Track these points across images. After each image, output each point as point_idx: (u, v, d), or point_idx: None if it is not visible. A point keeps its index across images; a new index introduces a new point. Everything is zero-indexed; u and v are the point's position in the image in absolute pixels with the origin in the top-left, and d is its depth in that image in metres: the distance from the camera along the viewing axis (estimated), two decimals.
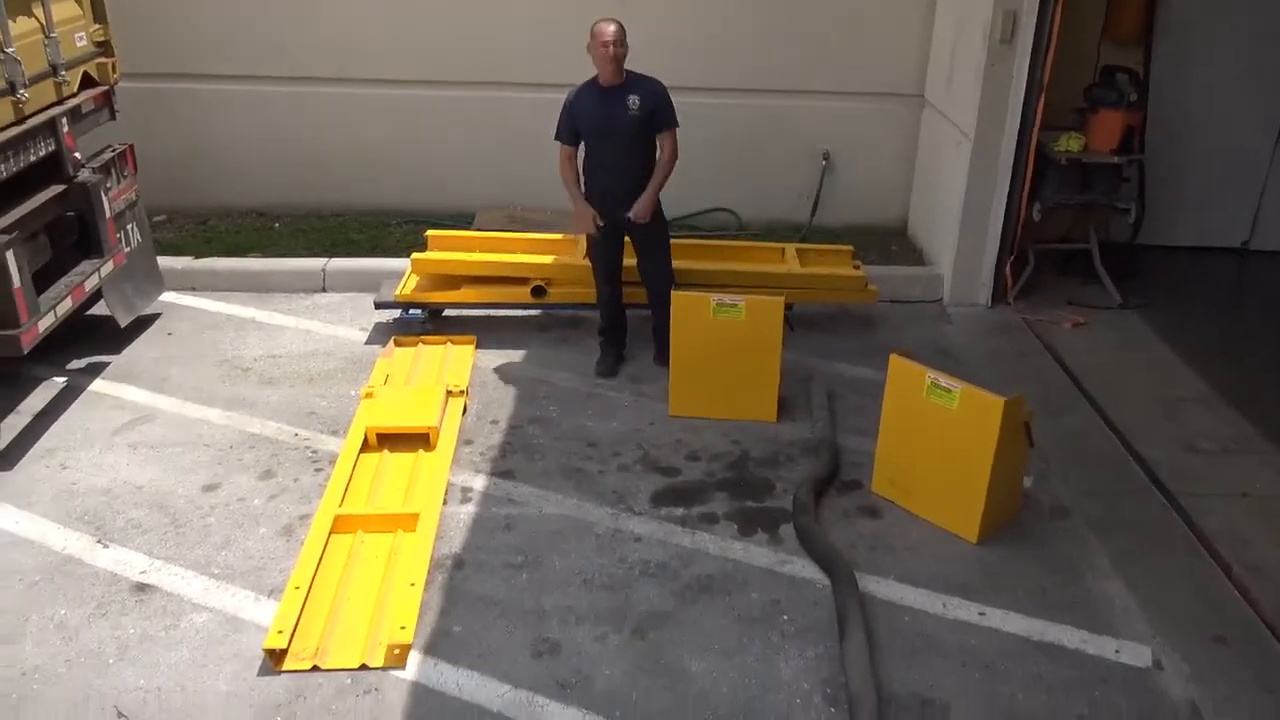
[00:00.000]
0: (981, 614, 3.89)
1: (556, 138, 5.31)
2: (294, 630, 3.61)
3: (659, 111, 5.21)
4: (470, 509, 4.46)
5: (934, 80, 7.22)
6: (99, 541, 4.19)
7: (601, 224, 5.29)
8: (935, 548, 4.27)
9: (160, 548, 4.16)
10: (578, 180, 5.35)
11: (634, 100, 5.13)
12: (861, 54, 7.32)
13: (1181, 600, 3.96)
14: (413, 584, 3.87)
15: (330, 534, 4.13)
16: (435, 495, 4.45)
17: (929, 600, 3.96)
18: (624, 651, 3.66)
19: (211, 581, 3.97)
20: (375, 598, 3.83)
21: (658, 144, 5.31)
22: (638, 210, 5.25)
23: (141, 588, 3.93)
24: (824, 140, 7.56)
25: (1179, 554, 4.24)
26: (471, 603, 3.88)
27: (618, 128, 5.16)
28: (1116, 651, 3.71)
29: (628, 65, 5.15)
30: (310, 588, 3.82)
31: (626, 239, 5.47)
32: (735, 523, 4.41)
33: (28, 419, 5.11)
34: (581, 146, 5.32)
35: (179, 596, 3.89)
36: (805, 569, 4.11)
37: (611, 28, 5.00)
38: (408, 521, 4.22)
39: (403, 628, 3.63)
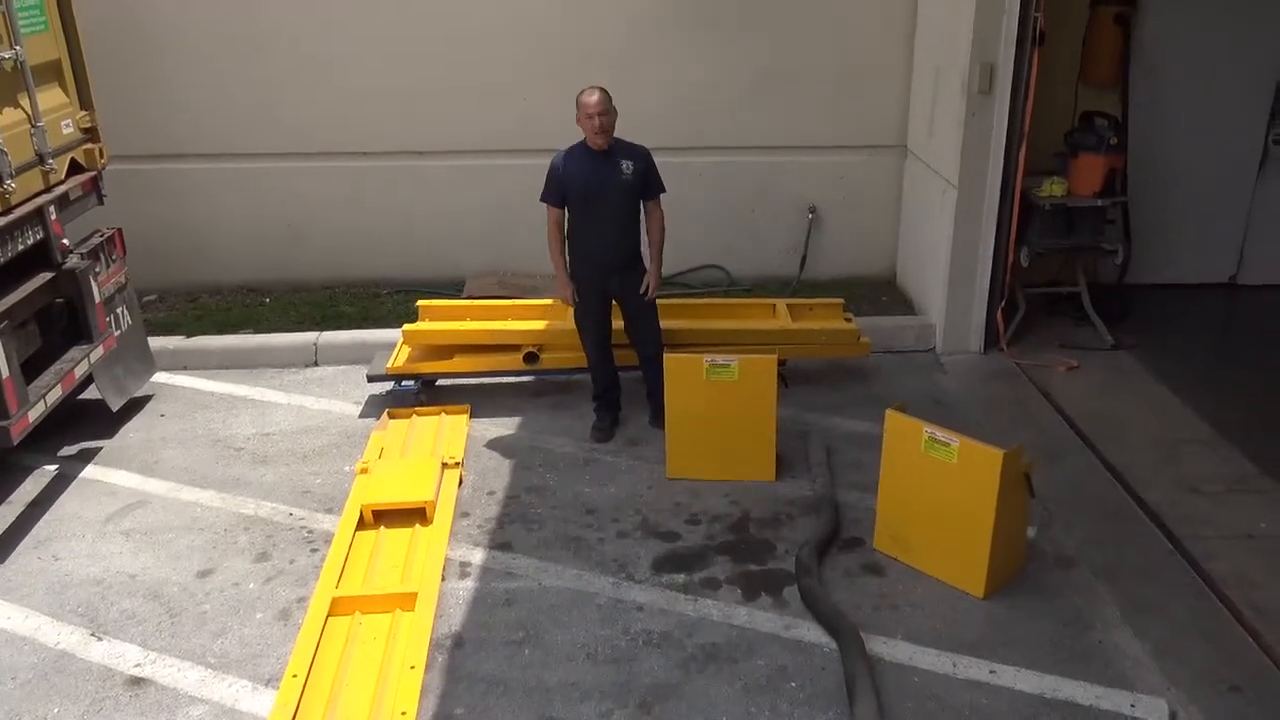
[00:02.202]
0: (992, 672, 3.82)
1: (543, 199, 5.32)
2: None
3: (650, 179, 5.25)
4: (469, 584, 4.40)
5: (916, 131, 7.29)
6: (93, 634, 4.12)
7: (577, 301, 5.33)
8: (942, 604, 4.21)
9: (155, 639, 4.09)
10: (563, 247, 5.37)
11: (627, 165, 5.15)
12: (843, 107, 7.41)
13: (1194, 649, 3.90)
14: (413, 666, 3.80)
15: (328, 617, 4.07)
16: (433, 572, 4.39)
17: (938, 660, 3.89)
18: None
19: (208, 672, 3.90)
20: (375, 683, 3.75)
21: (645, 210, 5.33)
22: (650, 290, 5.34)
23: (136, 681, 3.85)
24: (810, 194, 7.62)
25: (1188, 600, 4.19)
26: (473, 683, 3.81)
27: (610, 193, 5.17)
28: (1132, 706, 3.65)
29: (615, 133, 5.18)
30: (308, 675, 3.74)
31: (614, 303, 5.47)
32: (738, 587, 4.35)
33: (19, 509, 5.05)
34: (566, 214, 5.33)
35: (174, 690, 3.81)
36: (811, 632, 4.05)
37: (595, 98, 5.02)
38: (406, 601, 4.16)
39: (404, 713, 3.56)
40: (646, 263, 5.43)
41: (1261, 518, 4.74)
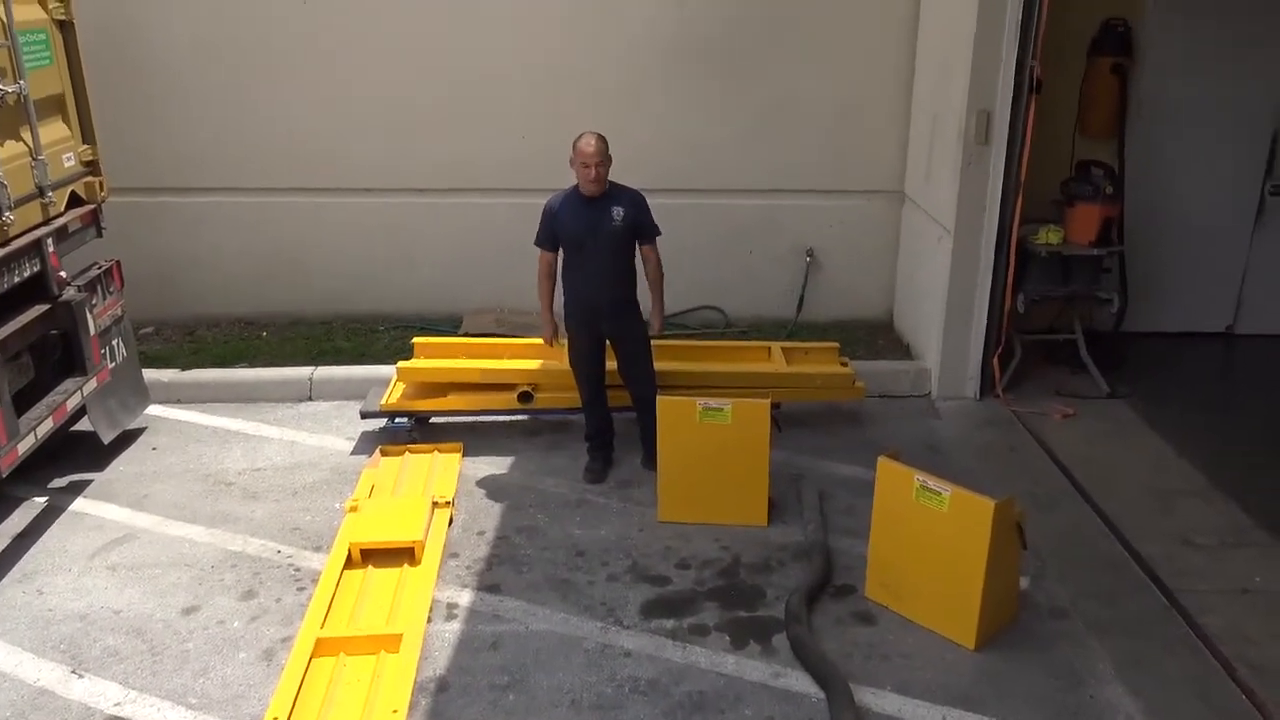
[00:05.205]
0: None
1: (536, 244, 5.34)
2: None
3: (643, 222, 5.27)
4: (455, 626, 4.35)
5: (913, 176, 7.33)
6: (73, 671, 4.08)
7: (559, 343, 5.41)
8: (932, 655, 4.17)
9: (136, 677, 4.04)
10: (552, 291, 5.39)
11: (618, 211, 5.17)
12: (841, 152, 7.46)
13: (1186, 706, 3.85)
14: (395, 710, 3.75)
15: (311, 658, 4.02)
16: (419, 613, 4.35)
17: (928, 713, 3.84)
18: None
19: (188, 712, 3.85)
20: None
21: (641, 254, 5.35)
22: (655, 330, 5.46)
23: None
24: (808, 237, 7.64)
25: (1181, 656, 4.15)
26: None
27: (601, 238, 5.19)
28: None
29: (612, 175, 5.21)
30: (290, 718, 3.70)
31: (608, 344, 5.47)
32: (727, 634, 4.31)
33: (6, 541, 5.02)
34: (560, 254, 5.35)
35: None
36: (800, 682, 4.00)
37: (592, 147, 5.04)
38: (391, 643, 4.12)
39: None
40: (643, 306, 5.44)
41: (1256, 572, 4.70)
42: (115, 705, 3.89)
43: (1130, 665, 4.07)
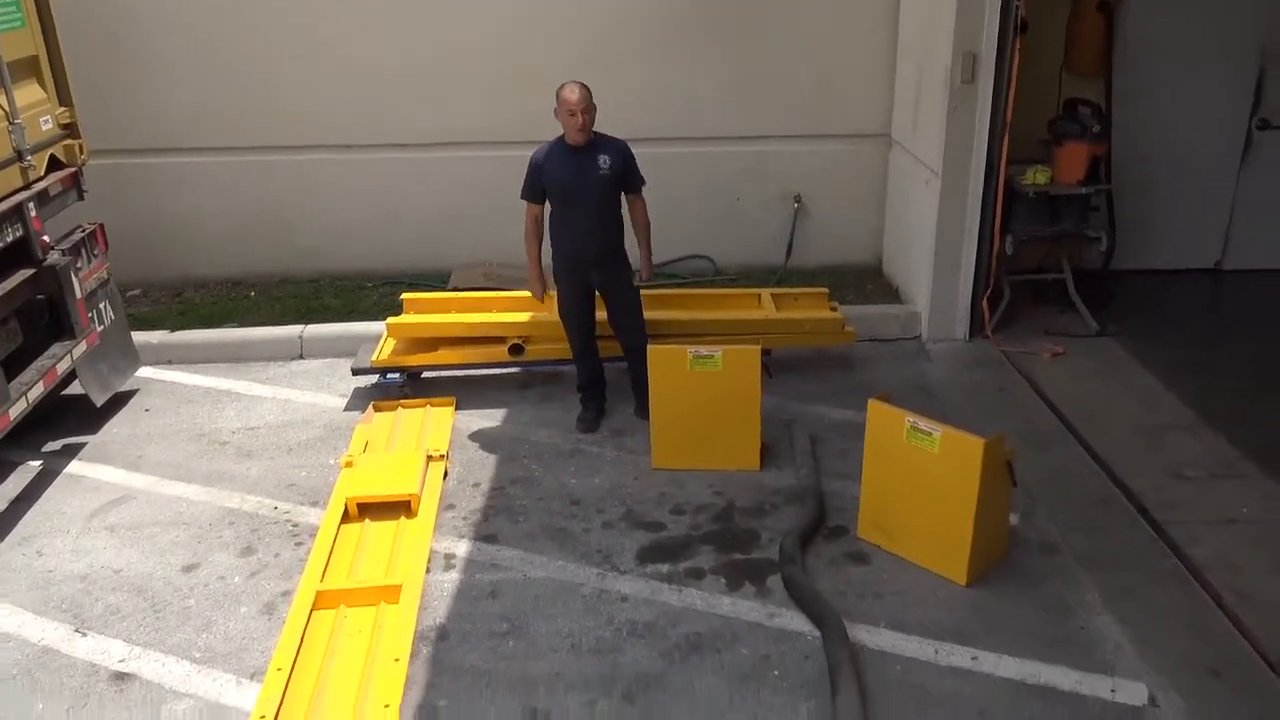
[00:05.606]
0: (974, 659, 3.84)
1: (523, 196, 5.32)
2: (277, 714, 3.54)
3: (630, 172, 5.24)
4: (454, 576, 4.40)
5: (900, 120, 7.29)
6: (76, 630, 4.12)
7: (545, 297, 5.39)
8: (924, 592, 4.23)
9: (139, 633, 4.09)
10: (539, 243, 5.38)
11: (605, 160, 5.14)
12: (828, 96, 7.41)
13: (1174, 633, 3.92)
14: (397, 659, 3.80)
15: (312, 611, 4.07)
16: (418, 564, 4.40)
17: (920, 647, 3.91)
18: (614, 718, 3.60)
19: (192, 666, 3.90)
20: (359, 675, 3.76)
21: (628, 204, 5.33)
22: (644, 277, 5.46)
23: (121, 677, 3.85)
24: (796, 183, 7.61)
25: (1169, 585, 4.21)
26: (457, 675, 3.81)
27: (588, 188, 5.16)
28: (1112, 691, 3.67)
29: (597, 125, 5.17)
30: (293, 668, 3.75)
31: (597, 294, 5.46)
32: (722, 576, 4.36)
33: (3, 505, 5.04)
34: (546, 206, 5.33)
35: (159, 685, 3.81)
36: (795, 621, 4.06)
37: (576, 95, 5.00)
38: (390, 594, 4.16)
39: (387, 706, 3.56)
40: (631, 256, 5.43)
41: (1244, 502, 4.76)
42: (120, 661, 3.93)
43: (1119, 596, 4.13)
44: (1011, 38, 5.93)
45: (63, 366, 5.26)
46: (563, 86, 5.04)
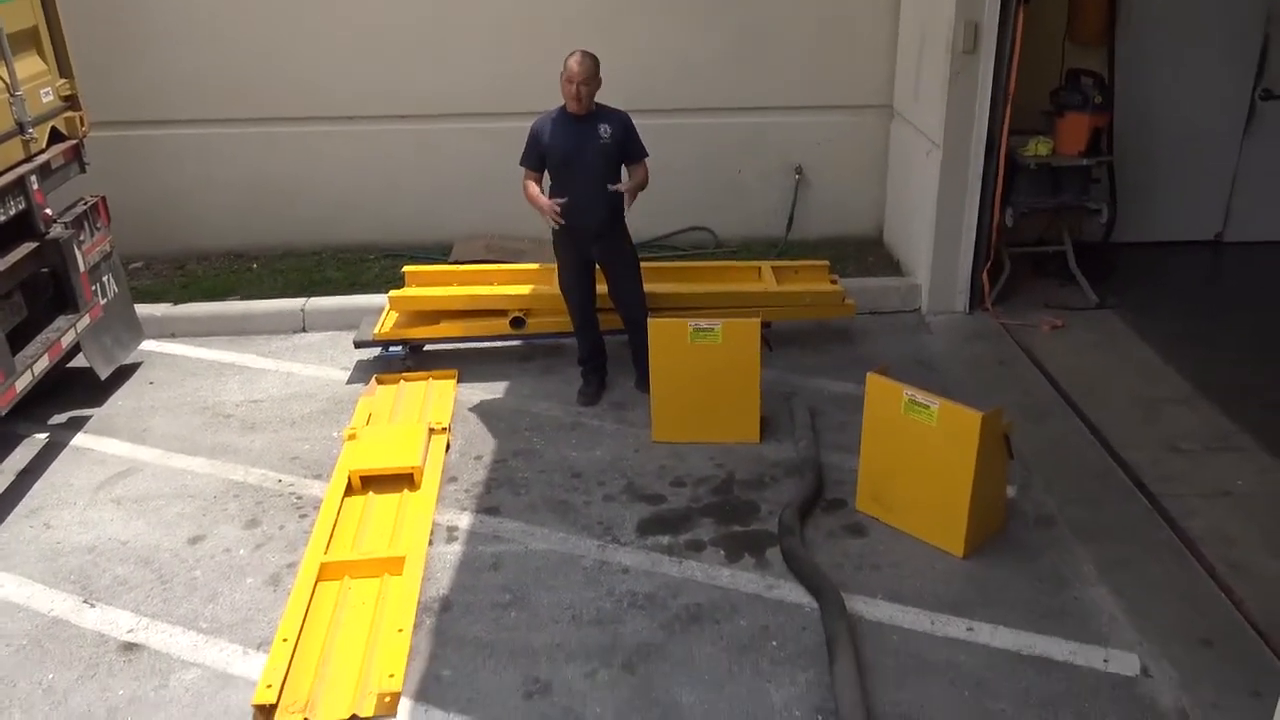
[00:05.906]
0: (970, 629, 3.90)
1: (521, 163, 5.31)
2: (283, 683, 3.60)
3: (630, 142, 5.23)
4: (456, 548, 4.45)
5: (901, 91, 7.26)
6: (85, 601, 4.18)
7: (561, 223, 5.14)
8: (922, 564, 4.28)
9: (147, 604, 4.15)
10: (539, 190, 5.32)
11: (605, 129, 5.14)
12: (829, 67, 7.37)
13: (1168, 605, 3.96)
14: (400, 629, 3.86)
15: (317, 582, 4.13)
16: (421, 536, 4.45)
17: (917, 618, 3.96)
18: (615, 687, 3.66)
19: (199, 637, 3.96)
20: (364, 645, 3.82)
21: (629, 173, 5.32)
22: (619, 190, 5.17)
23: (129, 647, 3.92)
24: (796, 155, 7.60)
25: (1164, 557, 4.25)
26: (460, 645, 3.87)
27: (588, 156, 5.16)
28: (1105, 661, 3.73)
29: (598, 98, 5.16)
30: (298, 639, 3.81)
31: (598, 268, 5.47)
32: (722, 549, 4.41)
33: (10, 478, 5.10)
34: (546, 178, 5.32)
35: (167, 654, 3.87)
36: (793, 593, 4.12)
37: (577, 66, 4.99)
38: (394, 565, 4.22)
39: (391, 675, 3.63)
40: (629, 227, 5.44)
41: (1239, 475, 4.80)
42: (129, 632, 4.00)
43: (1114, 568, 4.18)
44: (1014, 6, 5.89)
45: (67, 340, 5.29)
46: (570, 55, 5.03)
